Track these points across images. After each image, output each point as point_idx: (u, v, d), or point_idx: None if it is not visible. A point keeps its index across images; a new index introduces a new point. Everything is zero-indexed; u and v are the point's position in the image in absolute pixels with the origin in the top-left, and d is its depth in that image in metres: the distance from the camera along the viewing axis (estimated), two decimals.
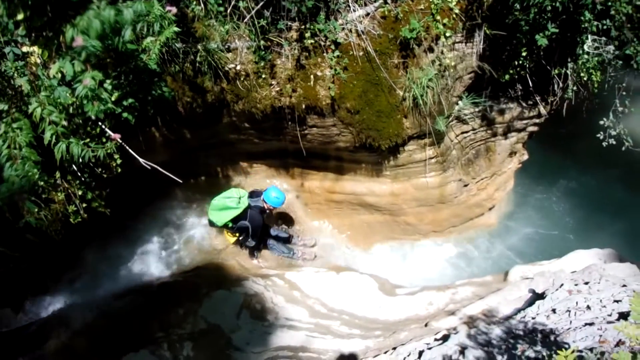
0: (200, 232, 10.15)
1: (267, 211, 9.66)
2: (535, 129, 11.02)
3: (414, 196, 10.18)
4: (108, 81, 5.89)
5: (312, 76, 8.28)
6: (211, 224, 9.61)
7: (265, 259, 9.91)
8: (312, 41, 8.07)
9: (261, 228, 9.64)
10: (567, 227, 12.24)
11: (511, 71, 9.37)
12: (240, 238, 9.63)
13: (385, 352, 6.38)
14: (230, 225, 9.43)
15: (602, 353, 4.30)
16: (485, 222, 11.73)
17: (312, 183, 10.58)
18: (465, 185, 10.57)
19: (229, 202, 9.21)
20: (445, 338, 6.11)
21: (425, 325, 7.56)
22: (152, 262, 9.75)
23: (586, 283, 6.87)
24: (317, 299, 8.55)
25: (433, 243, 11.13)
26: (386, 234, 10.99)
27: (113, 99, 6.21)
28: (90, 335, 7.94)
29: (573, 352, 2.68)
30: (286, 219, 10.88)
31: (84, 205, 7.27)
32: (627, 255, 9.31)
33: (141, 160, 6.34)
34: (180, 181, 6.67)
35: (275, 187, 9.69)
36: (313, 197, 10.72)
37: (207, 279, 8.94)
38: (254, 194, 9.60)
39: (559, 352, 2.68)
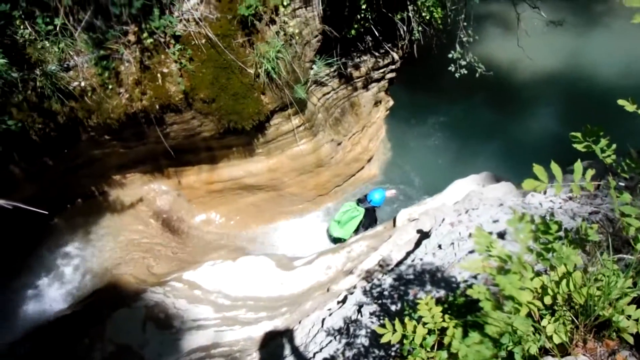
0: (89, 256, 9.82)
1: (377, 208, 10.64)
2: (393, 75, 11.24)
3: (291, 167, 10.22)
4: None
5: (159, 75, 8.10)
6: (335, 240, 10.56)
7: (160, 264, 9.73)
8: (151, 40, 7.86)
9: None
10: (445, 159, 12.64)
11: (356, 26, 9.51)
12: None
13: (292, 328, 6.42)
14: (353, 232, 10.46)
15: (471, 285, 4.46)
16: (367, 174, 11.94)
17: (190, 178, 10.42)
18: (339, 144, 10.69)
19: (352, 213, 10.39)
20: (345, 300, 6.20)
21: (327, 290, 7.65)
22: (47, 299, 9.37)
23: (467, 211, 7.10)
24: (219, 292, 8.47)
25: (322, 207, 11.24)
26: (275, 210, 11.01)
27: None
28: None
29: (432, 298, 2.76)
30: None
31: None
32: (503, 173, 9.71)
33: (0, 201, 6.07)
34: (46, 212, 6.45)
35: (377, 190, 10.70)
36: (194, 192, 10.57)
37: (106, 301, 8.68)
38: (359, 202, 10.57)
39: (419, 300, 2.75)
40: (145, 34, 7.78)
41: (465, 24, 10.06)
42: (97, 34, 7.65)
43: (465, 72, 10.10)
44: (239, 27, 8.27)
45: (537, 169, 2.35)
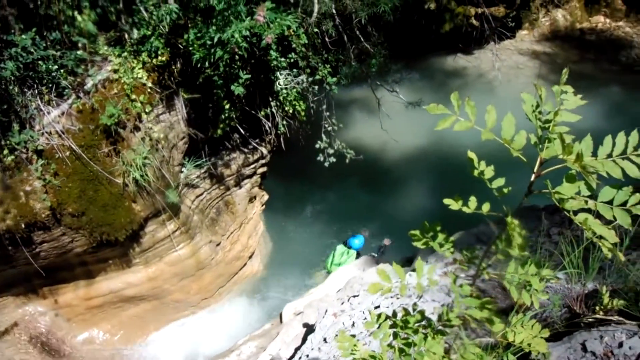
0: None
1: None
2: (264, 169, 11.38)
3: (172, 273, 10.01)
4: None
5: (21, 193, 7.83)
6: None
7: None
8: (12, 157, 7.63)
9: None
10: (325, 246, 12.74)
11: (222, 125, 9.59)
12: None
13: None
14: None
15: None
16: (250, 271, 11.86)
17: (67, 296, 9.93)
18: (218, 245, 10.62)
19: (348, 255, 11.69)
20: None
21: None
22: None
23: (349, 299, 7.14)
24: None
25: (207, 311, 10.99)
26: (160, 319, 10.67)
27: None
28: None
29: None
30: None
31: None
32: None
33: None
34: None
35: (356, 236, 11.90)
36: (73, 310, 10.09)
37: None
38: (345, 244, 11.89)
39: None
40: (5, 151, 7.55)
41: (327, 113, 10.40)
42: None
43: (334, 160, 10.38)
44: (103, 137, 8.20)
45: (380, 272, 2.43)
